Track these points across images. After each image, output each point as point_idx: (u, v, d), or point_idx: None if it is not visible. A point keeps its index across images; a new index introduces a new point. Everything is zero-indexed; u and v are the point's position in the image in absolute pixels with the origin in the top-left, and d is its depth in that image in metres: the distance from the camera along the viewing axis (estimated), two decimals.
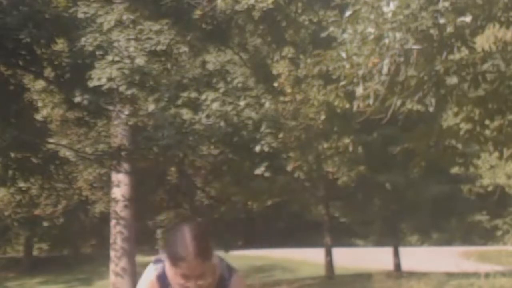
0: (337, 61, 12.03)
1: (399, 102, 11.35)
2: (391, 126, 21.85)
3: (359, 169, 27.16)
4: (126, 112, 19.48)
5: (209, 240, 3.15)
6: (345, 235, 42.46)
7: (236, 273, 3.30)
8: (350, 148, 24.51)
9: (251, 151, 20.47)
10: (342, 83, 11.82)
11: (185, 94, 20.22)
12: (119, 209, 22.40)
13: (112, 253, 22.36)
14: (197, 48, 21.36)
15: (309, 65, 17.81)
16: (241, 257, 30.61)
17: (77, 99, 16.76)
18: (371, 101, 10.89)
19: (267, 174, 20.95)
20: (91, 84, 16.22)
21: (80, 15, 17.51)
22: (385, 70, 10.55)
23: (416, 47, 10.27)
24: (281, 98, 22.42)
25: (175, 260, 3.09)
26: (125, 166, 20.61)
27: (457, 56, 10.86)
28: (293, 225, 42.55)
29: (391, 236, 30.90)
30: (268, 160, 20.77)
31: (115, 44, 16.86)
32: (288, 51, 21.66)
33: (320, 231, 32.14)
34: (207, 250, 3.10)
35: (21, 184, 21.16)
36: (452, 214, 38.90)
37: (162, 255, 3.31)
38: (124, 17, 17.77)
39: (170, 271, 3.19)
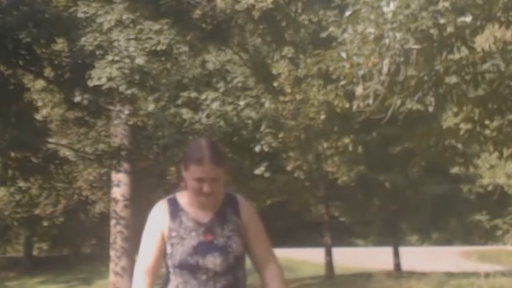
0: (337, 61, 12.03)
1: (399, 102, 11.33)
2: (391, 126, 21.84)
3: (359, 169, 27.15)
4: (126, 112, 19.48)
5: (222, 150, 3.59)
6: (345, 235, 42.48)
7: (242, 197, 3.78)
8: (350, 148, 24.49)
9: (251, 151, 20.44)
10: (342, 83, 11.81)
11: (185, 94, 20.16)
12: (119, 209, 22.40)
13: (112, 253, 22.35)
14: (197, 48, 21.34)
15: (309, 65, 17.80)
16: None
17: (77, 98, 16.75)
18: (371, 101, 10.88)
19: (267, 174, 20.91)
20: (91, 83, 16.20)
21: (80, 15, 17.49)
22: (385, 70, 10.54)
23: (416, 47, 10.26)
24: (281, 98, 22.39)
25: (192, 163, 3.49)
26: (125, 166, 20.61)
27: (457, 56, 10.86)
28: (293, 225, 42.48)
29: (391, 236, 30.89)
30: (268, 160, 20.74)
31: (115, 44, 16.85)
32: (288, 51, 21.63)
33: (320, 231, 32.13)
34: (220, 157, 3.53)
35: (21, 184, 21.17)
36: (452, 214, 38.90)
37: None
38: (124, 17, 17.75)
39: (181, 197, 3.65)
